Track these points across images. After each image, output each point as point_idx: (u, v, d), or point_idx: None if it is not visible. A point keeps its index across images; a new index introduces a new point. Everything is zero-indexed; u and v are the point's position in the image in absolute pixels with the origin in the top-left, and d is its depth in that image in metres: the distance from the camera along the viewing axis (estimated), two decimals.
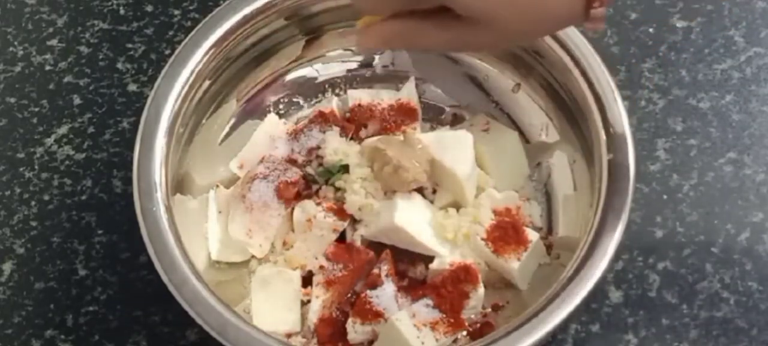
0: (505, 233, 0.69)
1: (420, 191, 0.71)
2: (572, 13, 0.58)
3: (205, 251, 0.71)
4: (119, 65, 0.84)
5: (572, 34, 0.71)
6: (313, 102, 0.79)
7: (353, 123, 0.75)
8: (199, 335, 0.69)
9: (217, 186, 0.74)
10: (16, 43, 0.86)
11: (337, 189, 0.71)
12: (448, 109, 0.79)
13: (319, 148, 0.73)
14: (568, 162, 0.73)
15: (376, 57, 0.80)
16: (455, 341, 0.68)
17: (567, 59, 0.71)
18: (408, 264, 0.71)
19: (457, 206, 0.71)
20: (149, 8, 0.87)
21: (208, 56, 0.72)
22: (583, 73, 0.70)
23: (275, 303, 0.69)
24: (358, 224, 0.71)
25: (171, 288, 0.63)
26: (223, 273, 0.71)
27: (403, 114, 0.75)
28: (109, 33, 0.86)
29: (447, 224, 0.69)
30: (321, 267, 0.70)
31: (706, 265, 0.72)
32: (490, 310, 0.69)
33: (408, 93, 0.77)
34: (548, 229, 0.73)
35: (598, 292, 0.69)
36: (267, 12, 0.75)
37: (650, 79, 0.80)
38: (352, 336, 0.68)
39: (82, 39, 0.85)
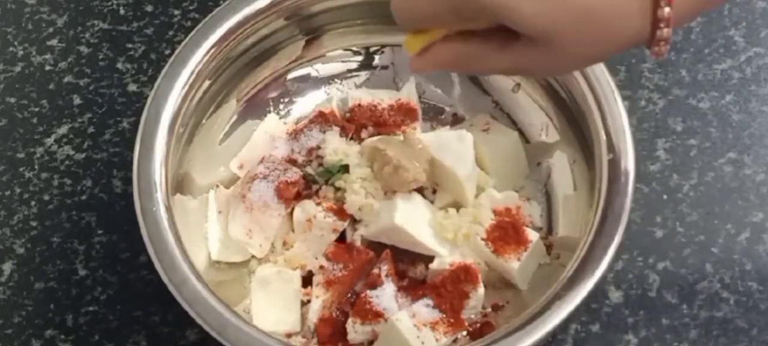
0: (505, 233, 0.69)
1: (420, 191, 0.71)
2: (639, 34, 0.54)
3: (205, 251, 0.71)
4: (119, 65, 0.84)
5: None
6: (313, 102, 0.79)
7: (353, 123, 0.75)
8: (199, 335, 0.69)
9: (217, 186, 0.74)
10: (16, 43, 0.86)
11: (337, 189, 0.71)
12: (448, 109, 0.79)
13: (319, 148, 0.73)
14: (568, 162, 0.73)
15: (377, 57, 0.80)
16: (455, 341, 0.68)
17: None
18: (408, 264, 0.71)
19: (457, 206, 0.71)
20: (149, 8, 0.87)
21: (208, 56, 0.72)
22: (583, 73, 0.70)
23: (275, 303, 0.69)
24: (358, 224, 0.71)
25: (171, 288, 0.63)
26: (223, 273, 0.71)
27: (403, 114, 0.75)
28: (109, 33, 0.86)
29: (447, 224, 0.69)
30: (321, 267, 0.70)
31: (706, 265, 0.72)
32: (490, 310, 0.69)
33: (408, 93, 0.77)
34: (548, 229, 0.73)
35: (598, 292, 0.69)
36: (267, 12, 0.75)
37: (650, 79, 0.80)
38: (352, 336, 0.68)
39: (82, 39, 0.85)
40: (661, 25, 0.53)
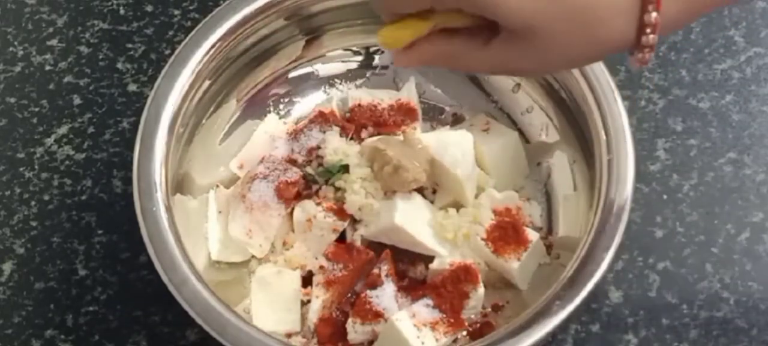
0: (505, 233, 0.69)
1: (420, 191, 0.71)
2: (624, 38, 0.53)
3: (205, 251, 0.71)
4: (119, 65, 0.84)
5: None
6: (313, 102, 0.79)
7: (353, 123, 0.75)
8: (199, 335, 0.69)
9: (217, 186, 0.74)
10: (16, 43, 0.86)
11: (337, 189, 0.71)
12: (448, 109, 0.79)
13: (319, 148, 0.73)
14: (568, 162, 0.73)
15: (377, 57, 0.80)
16: (455, 341, 0.68)
17: None
18: (408, 264, 0.71)
19: (457, 206, 0.71)
20: (149, 8, 0.87)
21: (208, 56, 0.72)
22: (583, 73, 0.70)
23: (275, 303, 0.69)
24: (358, 224, 0.71)
25: (171, 288, 0.63)
26: (223, 273, 0.71)
27: (403, 114, 0.75)
28: (109, 33, 0.86)
29: (447, 224, 0.69)
30: (321, 267, 0.70)
31: (706, 265, 0.72)
32: (490, 310, 0.69)
33: (408, 93, 0.77)
34: (548, 229, 0.73)
35: (598, 292, 0.69)
36: (267, 12, 0.75)
37: (650, 79, 0.80)
38: (352, 336, 0.68)
39: (82, 39, 0.85)
40: (647, 30, 0.52)
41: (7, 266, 0.75)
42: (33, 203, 0.77)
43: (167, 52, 0.84)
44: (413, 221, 0.69)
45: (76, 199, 0.78)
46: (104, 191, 0.78)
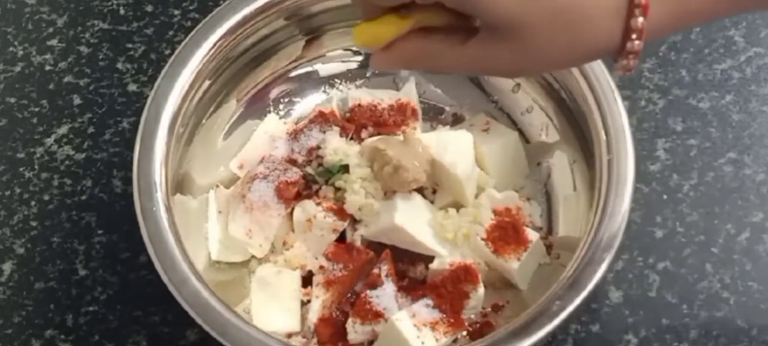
0: (505, 233, 0.69)
1: (420, 191, 0.71)
2: (609, 42, 0.51)
3: (205, 251, 0.71)
4: (119, 65, 0.84)
5: None
6: (313, 102, 0.79)
7: (353, 123, 0.75)
8: (199, 335, 0.69)
9: (217, 186, 0.74)
10: (16, 43, 0.86)
11: (337, 189, 0.71)
12: (448, 109, 0.79)
13: (319, 148, 0.73)
14: (568, 162, 0.73)
15: None
16: (455, 341, 0.68)
17: None
18: (408, 264, 0.71)
19: (457, 206, 0.71)
20: (149, 8, 0.87)
21: (208, 56, 0.72)
22: (583, 73, 0.70)
23: (275, 303, 0.69)
24: (358, 224, 0.71)
25: (171, 288, 0.63)
26: (223, 273, 0.71)
27: (403, 114, 0.75)
28: (109, 33, 0.86)
29: (447, 224, 0.69)
30: (321, 267, 0.70)
31: (706, 265, 0.72)
32: (490, 310, 0.69)
33: (408, 93, 0.77)
34: (548, 229, 0.73)
35: (598, 292, 0.69)
36: (267, 12, 0.75)
37: (650, 79, 0.80)
38: (352, 336, 0.68)
39: (82, 39, 0.85)
40: (633, 36, 0.50)
41: (7, 266, 0.75)
42: (33, 203, 0.77)
43: (167, 52, 0.84)
44: (413, 221, 0.69)
45: (76, 199, 0.78)
46: (104, 191, 0.78)
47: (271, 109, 0.79)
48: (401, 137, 0.73)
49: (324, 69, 0.80)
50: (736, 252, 0.72)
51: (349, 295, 0.70)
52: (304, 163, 0.73)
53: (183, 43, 0.73)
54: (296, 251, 0.71)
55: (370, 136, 0.75)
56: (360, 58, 0.80)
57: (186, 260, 0.64)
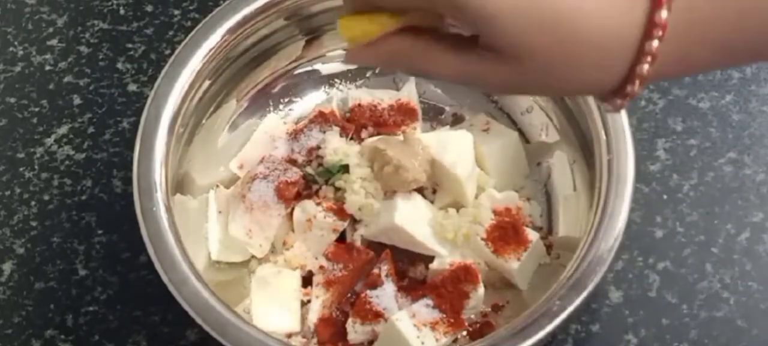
0: (505, 233, 0.69)
1: (420, 191, 0.71)
2: (610, 83, 0.49)
3: (205, 251, 0.71)
4: (119, 65, 0.84)
5: None
6: (313, 102, 0.79)
7: (353, 123, 0.75)
8: (199, 335, 0.69)
9: (217, 186, 0.74)
10: (16, 43, 0.86)
11: (337, 189, 0.71)
12: (448, 109, 0.79)
13: (319, 148, 0.73)
14: (568, 162, 0.73)
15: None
16: (455, 341, 0.68)
17: None
18: (408, 264, 0.71)
19: (457, 206, 0.71)
20: (149, 8, 0.87)
21: (208, 56, 0.72)
22: None
23: (275, 303, 0.69)
24: (358, 224, 0.71)
25: (171, 288, 0.63)
26: (223, 273, 0.71)
27: (403, 114, 0.75)
28: (109, 33, 0.86)
29: (447, 224, 0.69)
30: (321, 267, 0.70)
31: (706, 265, 0.72)
32: (490, 310, 0.69)
33: (408, 93, 0.77)
34: (548, 229, 0.73)
35: (598, 292, 0.69)
36: (267, 12, 0.75)
37: None
38: (352, 336, 0.68)
39: (82, 39, 0.85)
40: (636, 81, 0.49)
41: (7, 266, 0.75)
42: (33, 203, 0.77)
43: (167, 52, 0.84)
44: (413, 221, 0.69)
45: (76, 199, 0.78)
46: (104, 191, 0.78)
47: (271, 109, 0.79)
48: (401, 137, 0.73)
49: (324, 69, 0.80)
50: (736, 252, 0.72)
51: (349, 295, 0.70)
52: (304, 163, 0.73)
53: (183, 43, 0.73)
54: (296, 251, 0.71)
55: (370, 136, 0.75)
56: None
57: (186, 260, 0.64)
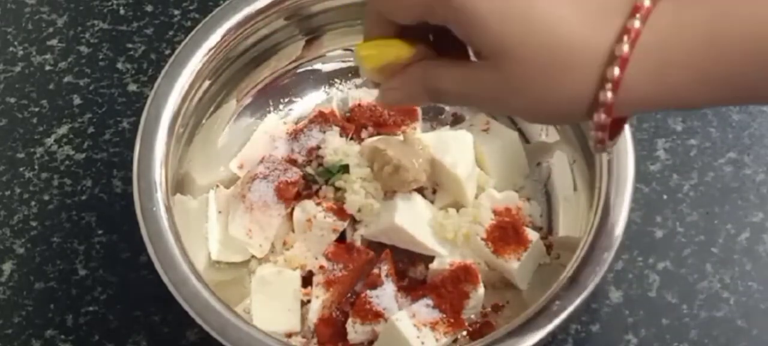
0: (505, 233, 0.69)
1: (420, 191, 0.71)
2: (580, 104, 0.50)
3: (205, 251, 0.71)
4: (119, 65, 0.84)
5: None
6: (313, 102, 0.79)
7: (353, 123, 0.75)
8: (199, 335, 0.69)
9: (217, 186, 0.74)
10: (16, 43, 0.86)
11: (337, 189, 0.71)
12: (448, 109, 0.79)
13: (319, 148, 0.73)
14: (568, 162, 0.73)
15: None
16: (455, 341, 0.68)
17: None
18: (408, 264, 0.71)
19: (457, 206, 0.71)
20: (149, 8, 0.87)
21: (208, 56, 0.72)
22: None
23: (275, 303, 0.69)
24: (358, 224, 0.71)
25: (171, 288, 0.63)
26: (223, 273, 0.71)
27: (403, 114, 0.75)
28: (109, 33, 0.86)
29: (447, 224, 0.69)
30: (321, 267, 0.70)
31: (706, 265, 0.72)
32: (490, 310, 0.69)
33: None
34: (548, 229, 0.73)
35: (598, 292, 0.69)
36: (267, 12, 0.75)
37: None
38: (352, 336, 0.68)
39: (82, 39, 0.85)
40: (607, 86, 0.48)
41: (7, 266, 0.75)
42: (33, 203, 0.77)
43: (167, 52, 0.84)
44: (413, 221, 0.69)
45: (76, 199, 0.78)
46: (104, 191, 0.78)
47: (271, 109, 0.79)
48: (401, 137, 0.73)
49: (324, 69, 0.80)
50: (736, 252, 0.72)
51: (349, 295, 0.70)
52: (304, 163, 0.73)
53: (183, 43, 0.73)
54: (296, 251, 0.71)
55: (370, 136, 0.75)
56: None
57: (186, 260, 0.64)
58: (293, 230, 0.72)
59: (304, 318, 0.69)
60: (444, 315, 0.67)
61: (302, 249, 0.71)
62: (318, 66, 0.80)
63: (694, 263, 0.72)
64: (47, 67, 0.84)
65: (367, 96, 0.77)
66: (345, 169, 0.71)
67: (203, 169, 0.75)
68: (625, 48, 0.48)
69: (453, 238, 0.69)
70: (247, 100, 0.78)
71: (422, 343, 0.65)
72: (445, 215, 0.70)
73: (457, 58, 0.54)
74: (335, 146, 0.73)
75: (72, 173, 0.79)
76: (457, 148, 0.71)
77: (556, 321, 0.61)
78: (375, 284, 0.68)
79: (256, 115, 0.78)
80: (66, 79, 0.83)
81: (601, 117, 0.50)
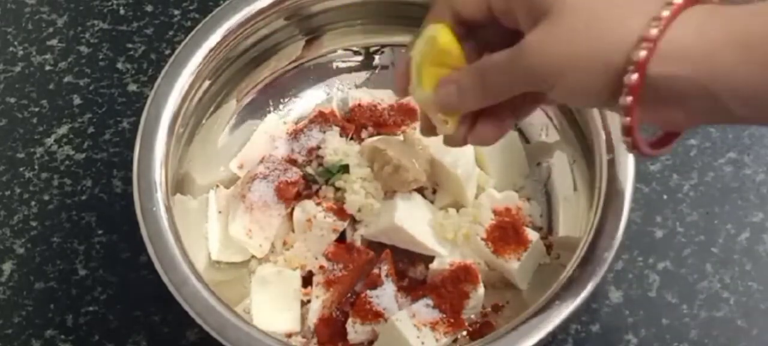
0: (505, 233, 0.69)
1: (420, 191, 0.71)
2: (623, 45, 0.49)
3: (205, 251, 0.71)
4: (119, 65, 0.84)
5: None
6: (313, 102, 0.79)
7: (353, 123, 0.75)
8: (199, 335, 0.69)
9: (217, 186, 0.74)
10: (16, 43, 0.86)
11: (337, 189, 0.71)
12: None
13: (319, 148, 0.73)
14: (568, 162, 0.73)
15: (376, 57, 0.80)
16: (455, 341, 0.68)
17: None
18: (408, 264, 0.71)
19: (457, 206, 0.71)
20: (149, 8, 0.87)
21: (208, 56, 0.72)
22: None
23: (275, 303, 0.69)
24: (358, 224, 0.71)
25: (171, 288, 0.63)
26: (223, 273, 0.71)
27: (403, 114, 0.75)
28: (109, 33, 0.86)
29: (447, 224, 0.69)
30: (321, 267, 0.70)
31: (706, 265, 0.72)
32: (490, 310, 0.69)
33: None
34: (548, 229, 0.73)
35: (598, 292, 0.69)
36: (267, 12, 0.75)
37: None
38: (352, 336, 0.68)
39: (82, 39, 0.85)
40: (642, 45, 0.48)
41: (7, 266, 0.75)
42: (33, 203, 0.77)
43: (167, 52, 0.84)
44: (413, 221, 0.69)
45: (76, 199, 0.78)
46: (104, 191, 0.78)
47: (271, 109, 0.79)
48: (401, 137, 0.73)
49: (324, 69, 0.80)
50: (736, 252, 0.72)
51: (349, 295, 0.70)
52: (304, 163, 0.73)
53: (183, 43, 0.73)
54: (296, 251, 0.71)
55: (370, 136, 0.75)
56: (360, 58, 0.80)
57: (186, 260, 0.64)
58: (293, 230, 0.72)
59: (304, 318, 0.69)
60: (444, 315, 0.67)
61: (302, 249, 0.71)
62: (318, 66, 0.80)
63: (694, 263, 0.72)
64: (47, 67, 0.84)
65: (367, 96, 0.77)
66: (345, 169, 0.71)
67: (203, 169, 0.75)
68: (666, 13, 0.47)
69: (453, 238, 0.69)
70: (247, 100, 0.78)
71: (422, 343, 0.65)
72: (445, 215, 0.70)
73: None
74: (335, 146, 0.73)
75: (72, 173, 0.79)
76: (457, 148, 0.71)
77: (556, 321, 0.61)
78: (375, 284, 0.68)
79: (256, 115, 0.78)
80: (66, 79, 0.83)
81: (642, 54, 0.48)
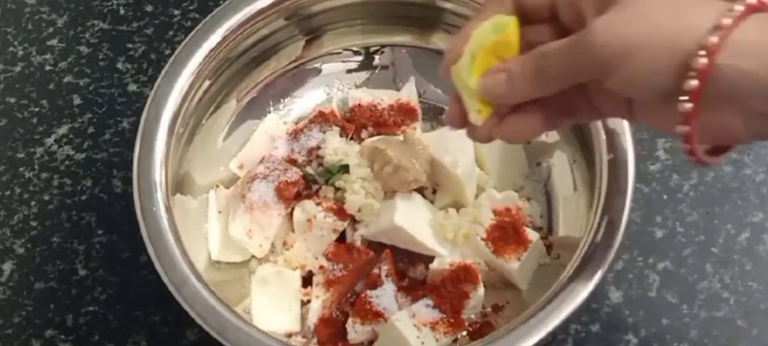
0: (505, 233, 0.69)
1: (420, 191, 0.71)
2: (695, 32, 0.48)
3: (205, 251, 0.71)
4: (119, 65, 0.84)
5: None
6: (313, 102, 0.79)
7: (353, 123, 0.75)
8: (199, 335, 0.69)
9: (217, 186, 0.74)
10: (16, 43, 0.86)
11: (337, 189, 0.71)
12: (448, 109, 0.79)
13: (319, 148, 0.73)
14: (568, 162, 0.73)
15: (377, 57, 0.80)
16: (455, 341, 0.68)
17: None
18: (408, 264, 0.71)
19: (457, 206, 0.71)
20: (149, 8, 0.87)
21: (208, 56, 0.72)
22: None
23: (275, 303, 0.69)
24: (358, 224, 0.71)
25: (171, 288, 0.63)
26: (223, 273, 0.71)
27: (403, 114, 0.75)
28: (109, 33, 0.86)
29: (447, 224, 0.69)
30: (321, 267, 0.70)
31: (706, 265, 0.72)
32: (490, 310, 0.69)
33: (408, 93, 0.77)
34: (548, 229, 0.73)
35: (598, 292, 0.69)
36: (267, 12, 0.75)
37: None
38: (352, 336, 0.68)
39: (82, 39, 0.85)
40: (691, 74, 0.48)
41: (7, 266, 0.75)
42: (33, 203, 0.77)
43: (167, 52, 0.84)
44: (413, 221, 0.69)
45: (76, 199, 0.78)
46: (104, 191, 0.78)
47: (271, 109, 0.79)
48: (401, 137, 0.73)
49: (324, 69, 0.80)
50: (736, 252, 0.72)
51: (349, 295, 0.70)
52: (304, 163, 0.73)
53: (183, 43, 0.73)
54: (296, 251, 0.71)
55: (370, 136, 0.75)
56: (360, 58, 0.80)
57: (186, 260, 0.64)
58: (293, 230, 0.72)
59: (304, 318, 0.69)
60: (444, 315, 0.67)
61: (302, 249, 0.71)
62: (318, 66, 0.80)
63: (694, 263, 0.72)
64: (47, 67, 0.84)
65: (367, 96, 0.77)
66: (345, 169, 0.71)
67: (203, 169, 0.75)
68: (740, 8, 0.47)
69: (453, 238, 0.69)
70: (247, 100, 0.78)
71: (422, 343, 0.65)
72: (445, 215, 0.70)
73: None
74: (335, 146, 0.73)
75: (72, 173, 0.79)
76: (456, 148, 0.71)
77: (556, 321, 0.61)
78: (375, 284, 0.68)
79: (256, 115, 0.78)
80: (66, 79, 0.83)
81: (714, 40, 0.47)
